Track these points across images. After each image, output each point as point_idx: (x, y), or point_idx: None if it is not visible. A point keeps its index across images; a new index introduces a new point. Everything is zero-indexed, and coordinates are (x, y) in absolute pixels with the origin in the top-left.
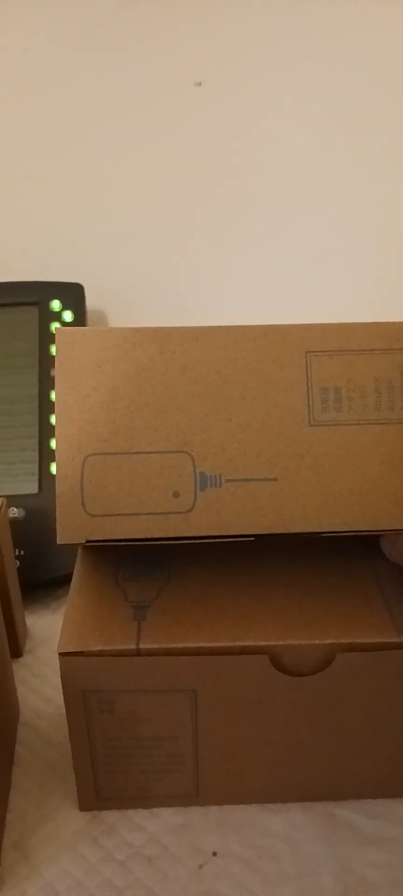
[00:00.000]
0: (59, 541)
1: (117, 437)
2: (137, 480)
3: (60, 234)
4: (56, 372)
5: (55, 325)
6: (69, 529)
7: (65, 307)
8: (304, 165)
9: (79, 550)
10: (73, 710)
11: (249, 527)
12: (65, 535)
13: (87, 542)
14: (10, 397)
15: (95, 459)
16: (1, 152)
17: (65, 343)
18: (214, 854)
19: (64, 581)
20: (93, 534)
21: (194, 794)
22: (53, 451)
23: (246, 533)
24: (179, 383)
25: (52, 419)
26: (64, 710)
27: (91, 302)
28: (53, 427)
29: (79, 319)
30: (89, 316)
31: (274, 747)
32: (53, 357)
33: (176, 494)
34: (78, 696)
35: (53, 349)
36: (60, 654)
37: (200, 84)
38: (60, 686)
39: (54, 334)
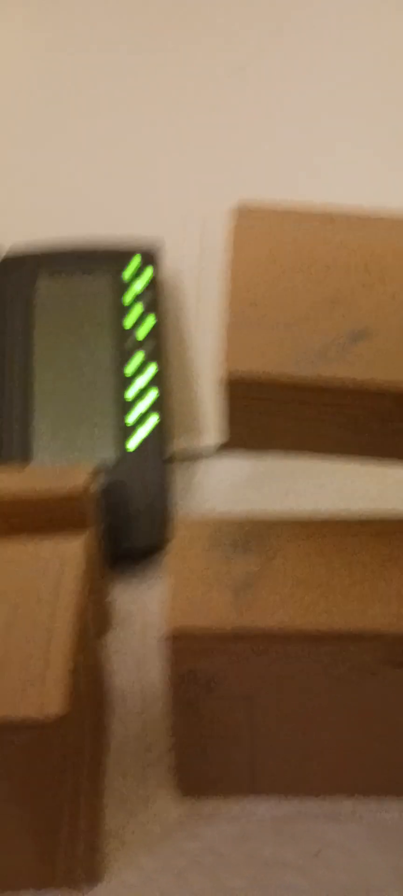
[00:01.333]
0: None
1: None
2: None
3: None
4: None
5: (134, 287)
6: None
7: (138, 273)
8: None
9: (175, 524)
10: (176, 690)
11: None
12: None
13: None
14: (86, 365)
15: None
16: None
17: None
18: None
19: (145, 553)
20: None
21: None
22: (127, 425)
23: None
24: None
25: (126, 394)
26: (150, 689)
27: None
28: (127, 400)
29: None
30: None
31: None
32: (126, 329)
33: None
34: (182, 675)
35: (126, 320)
36: (167, 632)
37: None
38: (146, 663)
39: (126, 305)
